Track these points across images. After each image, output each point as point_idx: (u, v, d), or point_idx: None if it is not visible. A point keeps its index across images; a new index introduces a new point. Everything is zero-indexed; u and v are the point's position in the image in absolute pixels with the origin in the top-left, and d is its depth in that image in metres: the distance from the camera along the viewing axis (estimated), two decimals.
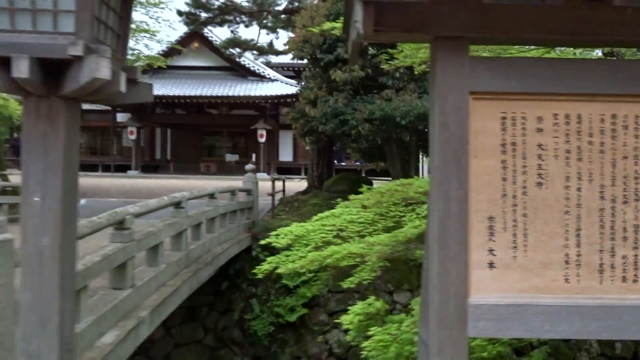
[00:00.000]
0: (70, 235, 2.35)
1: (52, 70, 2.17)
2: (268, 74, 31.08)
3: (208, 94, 29.36)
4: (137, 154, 33.04)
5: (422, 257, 6.41)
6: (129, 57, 22.08)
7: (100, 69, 2.05)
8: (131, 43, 22.19)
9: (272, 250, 12.62)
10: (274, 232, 5.96)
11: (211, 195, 9.66)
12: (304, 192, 16.12)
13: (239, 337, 12.43)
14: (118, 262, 5.49)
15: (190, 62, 30.14)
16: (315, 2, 14.52)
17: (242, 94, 29.17)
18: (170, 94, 28.96)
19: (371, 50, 11.97)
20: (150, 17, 20.78)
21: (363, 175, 23.54)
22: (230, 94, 29.18)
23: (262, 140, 31.39)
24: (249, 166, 13.45)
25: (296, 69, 33.59)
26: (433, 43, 2.11)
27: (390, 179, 19.11)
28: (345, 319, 3.84)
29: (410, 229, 4.89)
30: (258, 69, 31.05)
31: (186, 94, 29.37)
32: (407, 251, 5.53)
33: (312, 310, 12.30)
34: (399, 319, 3.95)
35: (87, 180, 25.60)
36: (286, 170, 33.27)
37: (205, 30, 28.91)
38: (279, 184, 15.63)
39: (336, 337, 12.07)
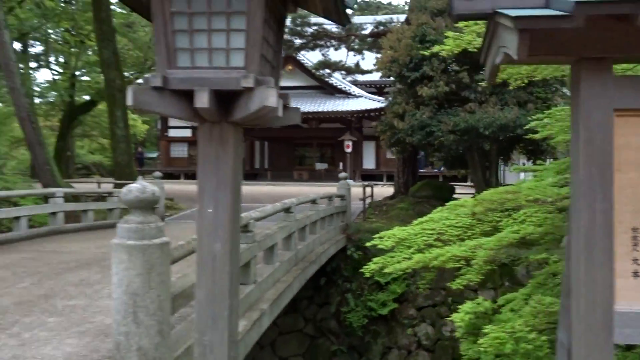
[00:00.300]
0: (236, 241, 2.43)
1: (223, 100, 2.26)
2: (353, 91, 31.18)
3: (301, 110, 29.70)
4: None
5: (524, 261, 6.21)
6: None
7: (269, 97, 2.11)
8: None
9: (364, 250, 12.71)
10: (377, 235, 5.90)
11: (313, 201, 9.78)
12: (391, 197, 16.00)
13: (335, 328, 12.48)
14: (244, 261, 5.64)
15: (285, 83, 30.72)
16: (400, 25, 14.42)
17: (330, 109, 29.42)
18: None
19: (455, 67, 11.74)
20: None
21: (440, 180, 23.13)
22: (320, 109, 29.53)
23: (349, 150, 31.50)
24: (342, 174, 13.50)
25: (378, 85, 33.54)
26: (576, 64, 2.03)
27: (470, 184, 18.64)
28: (455, 317, 3.76)
29: (510, 233, 4.73)
30: (344, 87, 31.23)
31: None
32: (509, 255, 5.35)
33: (402, 305, 12.16)
34: (506, 318, 3.81)
35: (195, 187, 26.66)
36: (370, 177, 33.24)
37: (298, 54, 29.44)
38: (367, 190, 15.63)
39: (424, 331, 11.89)
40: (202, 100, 2.13)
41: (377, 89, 33.75)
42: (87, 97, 24.01)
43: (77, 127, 27.97)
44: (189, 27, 2.21)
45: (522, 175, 21.34)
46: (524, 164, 16.21)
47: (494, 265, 4.81)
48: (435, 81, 11.54)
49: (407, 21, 14.11)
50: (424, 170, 30.56)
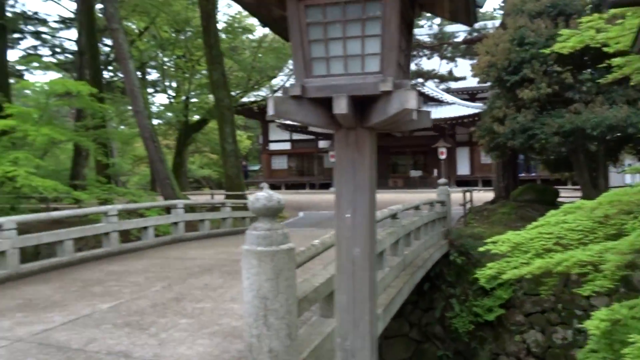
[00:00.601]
0: (373, 245, 2.34)
1: (358, 105, 2.20)
2: (446, 99, 30.43)
3: None
4: None
5: None
6: None
7: (409, 100, 2.02)
8: None
9: (467, 256, 12.24)
10: (490, 240, 5.58)
11: (416, 207, 9.55)
12: (491, 202, 15.32)
13: (440, 333, 12.08)
14: None
15: None
16: (495, 30, 13.83)
17: None
18: None
19: (556, 68, 11.04)
20: None
21: (538, 183, 21.88)
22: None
23: (443, 157, 30.77)
24: (441, 180, 13.12)
25: (471, 92, 32.53)
26: None
27: (573, 187, 17.44)
28: (589, 324, 3.42)
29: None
30: (437, 95, 30.54)
31: None
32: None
33: (509, 310, 11.54)
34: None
35: (299, 197, 27.19)
36: (464, 183, 32.24)
37: None
38: (466, 195, 15.09)
39: (533, 337, 11.20)
40: (341, 106, 2.08)
41: (470, 95, 32.74)
42: (197, 117, 25.36)
43: (190, 144, 29.60)
44: (324, 36, 2.18)
45: (627, 177, 19.63)
46: (629, 165, 14.92)
47: (629, 271, 4.37)
48: (537, 83, 10.90)
49: (503, 25, 13.51)
50: (522, 175, 29.16)
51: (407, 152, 36.40)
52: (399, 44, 2.14)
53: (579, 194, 14.98)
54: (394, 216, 7.60)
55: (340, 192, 2.30)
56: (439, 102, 30.50)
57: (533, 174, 28.93)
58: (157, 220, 10.80)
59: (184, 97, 24.51)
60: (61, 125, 13.33)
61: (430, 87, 29.11)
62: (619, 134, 10.80)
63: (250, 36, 25.02)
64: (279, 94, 2.23)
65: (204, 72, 22.19)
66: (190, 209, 13.12)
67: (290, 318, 3.66)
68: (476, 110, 27.62)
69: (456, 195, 17.53)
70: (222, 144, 16.70)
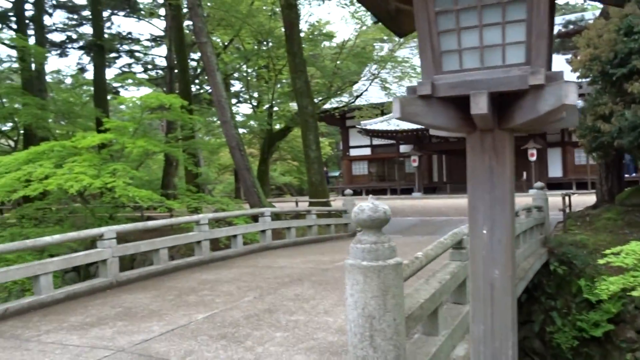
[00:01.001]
0: (514, 266, 2.00)
1: (495, 103, 1.87)
2: None
3: None
4: (420, 178, 33.54)
5: None
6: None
7: (569, 95, 1.68)
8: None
9: (570, 265, 11.33)
10: (609, 251, 5.01)
11: (516, 214, 8.90)
12: (594, 207, 14.14)
13: (539, 348, 11.26)
14: (460, 279, 5.18)
15: None
16: (595, 20, 12.79)
17: None
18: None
19: None
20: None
21: None
22: None
23: (533, 158, 29.15)
24: (538, 184, 12.30)
25: None
26: None
27: None
28: None
29: None
30: None
31: None
32: None
33: (618, 326, 10.52)
34: None
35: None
36: (556, 186, 30.33)
37: None
38: (554, 199, 14.05)
39: None
40: (480, 105, 1.77)
41: None
42: (278, 126, 25.74)
43: (274, 152, 30.08)
44: (456, 25, 1.88)
45: None
46: None
47: None
48: None
49: (605, 15, 12.47)
50: (627, 176, 26.96)
51: None
52: (549, 28, 1.80)
53: None
54: None
55: (474, 204, 1.99)
56: None
57: (633, 175, 26.61)
58: (246, 228, 10.87)
59: (266, 106, 24.95)
60: (154, 137, 13.86)
61: None
62: None
63: (329, 43, 25.02)
64: (405, 94, 1.95)
65: (285, 80, 22.43)
66: (275, 216, 13.15)
67: (398, 339, 3.36)
68: None
69: (551, 199, 16.40)
70: (305, 151, 16.70)
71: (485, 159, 1.95)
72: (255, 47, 23.60)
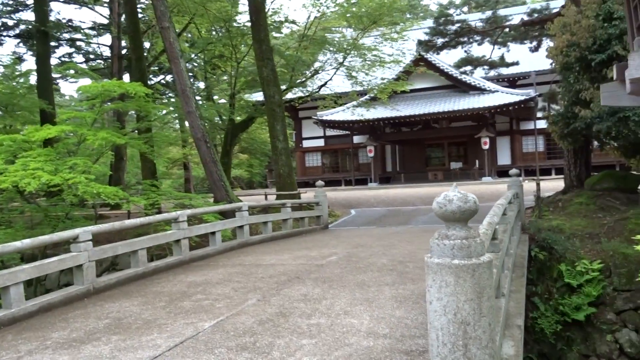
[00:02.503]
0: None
1: None
2: (488, 87, 29.30)
3: (433, 111, 28.54)
4: (375, 168, 33.51)
5: None
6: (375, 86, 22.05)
7: None
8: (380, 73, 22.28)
9: (550, 251, 11.33)
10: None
11: (510, 202, 8.71)
12: (563, 192, 14.31)
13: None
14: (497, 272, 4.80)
15: (416, 85, 29.59)
16: (566, 8, 12.81)
17: (467, 107, 27.78)
18: (402, 115, 28.71)
19: None
20: (396, 50, 20.71)
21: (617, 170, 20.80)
22: (456, 108, 28.00)
23: (486, 147, 29.70)
24: (513, 171, 12.20)
25: (511, 79, 31.28)
26: None
27: None
28: None
29: None
30: (479, 83, 29.48)
31: (415, 113, 28.90)
32: None
33: (598, 308, 10.64)
34: None
35: (338, 193, 26.36)
36: (505, 173, 31.13)
37: (428, 56, 28.23)
38: (530, 185, 14.19)
39: (627, 337, 10.31)
40: None
41: (509, 82, 31.52)
42: (238, 117, 24.82)
43: (236, 144, 29.10)
44: None
45: None
46: None
47: None
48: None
49: (576, 2, 12.53)
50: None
51: (444, 143, 35.36)
52: None
53: None
54: (504, 213, 6.80)
55: None
56: (481, 90, 29.44)
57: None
58: (224, 224, 10.15)
59: (221, 100, 23.97)
60: (116, 129, 12.77)
61: (472, 77, 28.06)
62: None
63: (290, 30, 24.27)
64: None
65: (251, 69, 21.47)
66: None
67: (493, 347, 2.90)
68: (522, 98, 26.51)
69: (502, 186, 16.50)
70: (272, 142, 15.98)
71: None
72: (214, 34, 22.56)
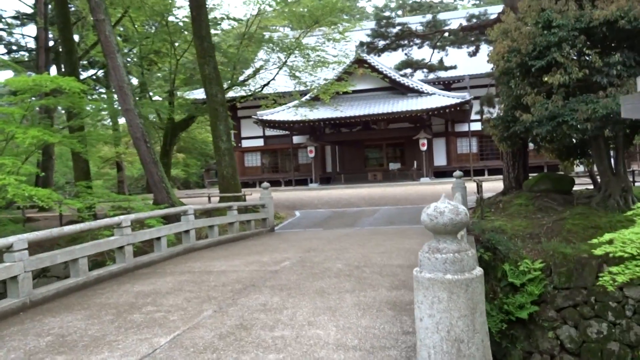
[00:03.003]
0: None
1: None
2: (426, 90, 30.02)
3: (373, 112, 28.91)
4: (316, 169, 33.51)
5: None
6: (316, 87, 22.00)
7: None
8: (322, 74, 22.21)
9: (494, 251, 11.68)
10: (602, 239, 4.93)
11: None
12: (503, 193, 14.83)
13: None
14: None
15: (357, 86, 29.83)
16: (503, 14, 13.26)
17: (405, 109, 28.33)
18: (342, 116, 28.86)
19: (587, 51, 10.58)
20: (339, 51, 20.73)
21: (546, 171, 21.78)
22: (395, 110, 28.49)
23: (424, 148, 30.41)
24: (457, 173, 12.51)
25: (446, 82, 32.22)
26: None
27: (583, 175, 17.18)
28: None
29: None
30: (416, 86, 30.14)
31: (355, 114, 29.16)
32: None
33: (539, 306, 11.09)
34: None
35: (279, 194, 26.14)
36: (441, 174, 32.13)
37: (369, 57, 28.52)
38: (471, 186, 14.57)
39: (567, 333, 10.80)
40: None
41: (444, 85, 32.46)
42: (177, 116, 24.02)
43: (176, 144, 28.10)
44: None
45: None
46: None
47: None
48: (567, 67, 10.41)
49: (513, 9, 13.00)
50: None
51: (383, 144, 35.92)
52: None
53: (587, 180, 14.71)
54: None
55: None
56: (419, 93, 30.10)
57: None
58: (169, 229, 9.71)
59: (157, 97, 23.09)
60: (48, 127, 11.92)
61: (410, 79, 28.66)
62: None
63: (230, 26, 23.71)
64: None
65: (191, 65, 20.84)
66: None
67: None
68: (458, 100, 27.33)
69: (440, 187, 16.90)
70: (215, 142, 15.53)
71: None
72: (150, 28, 21.69)
